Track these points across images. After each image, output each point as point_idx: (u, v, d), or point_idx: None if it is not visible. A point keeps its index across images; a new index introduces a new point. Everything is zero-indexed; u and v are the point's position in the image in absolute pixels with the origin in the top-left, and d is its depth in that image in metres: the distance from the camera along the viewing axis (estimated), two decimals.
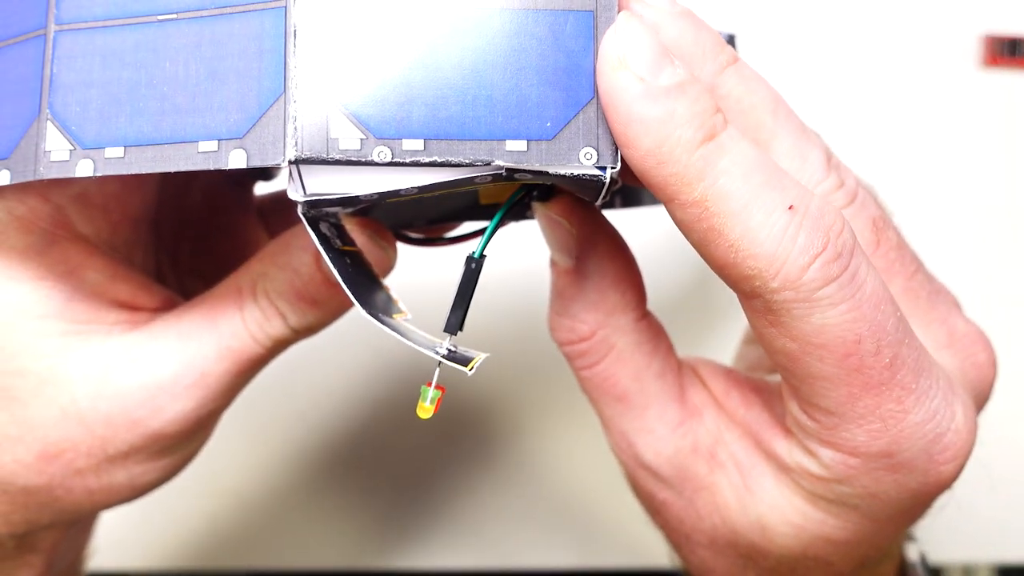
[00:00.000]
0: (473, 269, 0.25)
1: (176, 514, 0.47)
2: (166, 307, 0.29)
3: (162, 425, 0.28)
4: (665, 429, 0.28)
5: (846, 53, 0.49)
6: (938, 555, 0.48)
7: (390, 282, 0.28)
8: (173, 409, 0.28)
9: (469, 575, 0.49)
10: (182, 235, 0.35)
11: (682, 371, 0.29)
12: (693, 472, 0.28)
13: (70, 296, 0.28)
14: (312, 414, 0.48)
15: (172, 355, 0.28)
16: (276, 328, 0.28)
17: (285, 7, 0.22)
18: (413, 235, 0.30)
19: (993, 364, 0.27)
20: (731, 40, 0.35)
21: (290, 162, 0.21)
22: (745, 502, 0.27)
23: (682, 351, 0.30)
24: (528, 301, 0.47)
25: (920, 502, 0.25)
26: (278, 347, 0.29)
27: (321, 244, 0.23)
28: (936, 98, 0.50)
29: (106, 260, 0.29)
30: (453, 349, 0.24)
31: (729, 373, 0.29)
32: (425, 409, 0.25)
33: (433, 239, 0.31)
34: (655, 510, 0.30)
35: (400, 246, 0.29)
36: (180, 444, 0.29)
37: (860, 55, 0.49)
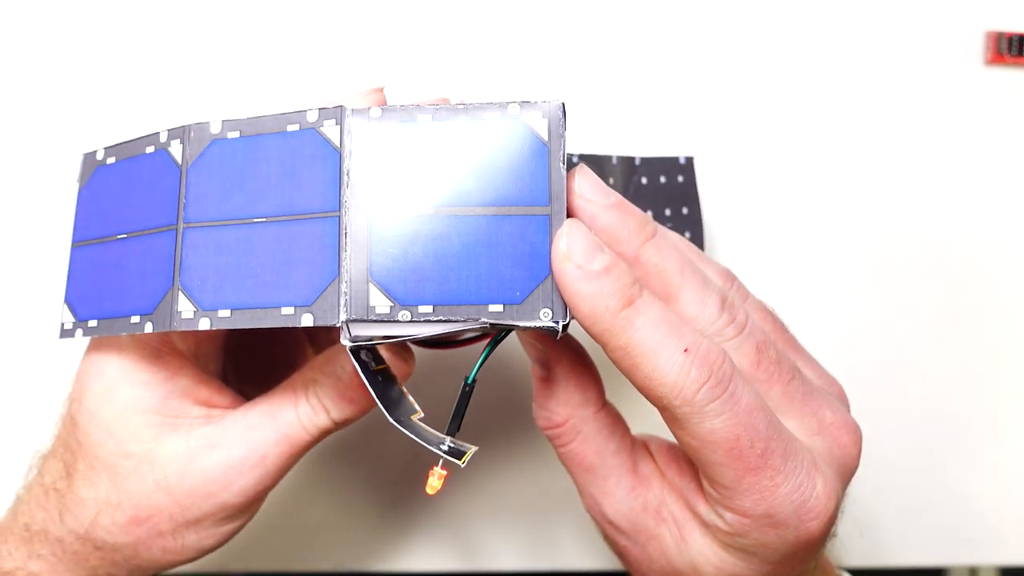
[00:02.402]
0: (467, 391, 0.31)
1: None
2: (234, 405, 0.35)
3: (230, 497, 0.33)
4: (622, 493, 0.33)
5: (850, 49, 0.49)
6: (943, 557, 0.49)
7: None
8: (239, 484, 0.33)
9: None
10: (244, 348, 0.40)
11: (635, 447, 0.34)
12: (644, 526, 0.33)
13: (167, 396, 0.33)
14: None
15: (241, 442, 0.33)
16: (322, 420, 0.33)
17: (339, 216, 0.29)
18: (427, 339, 0.36)
19: (856, 444, 0.32)
20: (689, 162, 0.42)
21: (342, 322, 0.29)
22: (682, 549, 0.33)
23: (642, 428, 0.35)
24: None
25: (799, 549, 0.30)
26: (322, 435, 0.34)
27: (361, 369, 0.29)
28: (940, 95, 0.49)
29: (194, 369, 0.34)
30: (453, 445, 0.30)
31: (671, 448, 0.34)
32: (433, 487, 0.30)
33: (442, 343, 0.36)
34: (620, 555, 0.35)
35: (417, 350, 0.34)
36: (239, 514, 0.34)
37: (864, 51, 0.49)
